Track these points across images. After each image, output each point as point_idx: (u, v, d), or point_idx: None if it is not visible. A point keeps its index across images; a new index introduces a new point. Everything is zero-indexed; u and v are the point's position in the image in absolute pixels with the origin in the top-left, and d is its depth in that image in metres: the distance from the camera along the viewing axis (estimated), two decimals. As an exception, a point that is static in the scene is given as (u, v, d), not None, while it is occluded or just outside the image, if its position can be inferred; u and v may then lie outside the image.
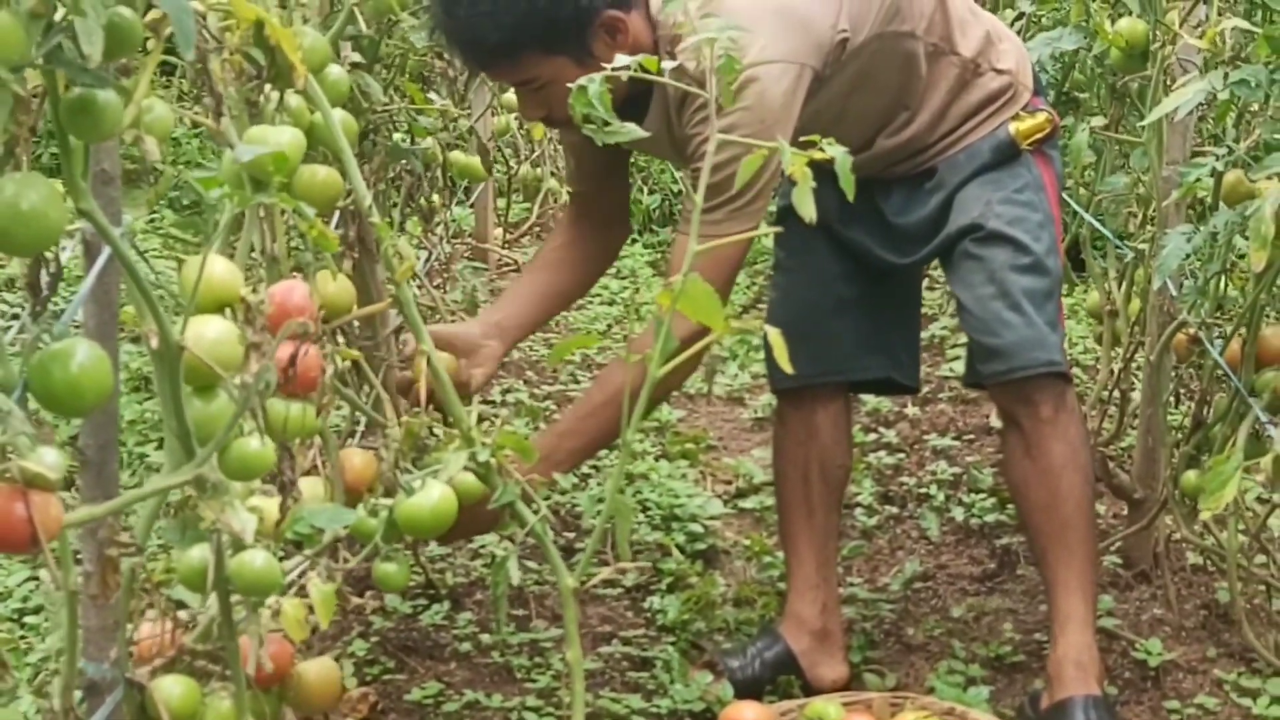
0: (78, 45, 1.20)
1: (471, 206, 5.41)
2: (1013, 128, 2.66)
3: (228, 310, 1.59)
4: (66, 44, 1.19)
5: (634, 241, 6.51)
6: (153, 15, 1.53)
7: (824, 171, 2.08)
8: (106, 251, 1.48)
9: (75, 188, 1.30)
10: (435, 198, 3.80)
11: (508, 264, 5.35)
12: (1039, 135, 2.68)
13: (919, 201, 2.70)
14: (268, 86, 1.97)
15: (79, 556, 1.46)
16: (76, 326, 1.51)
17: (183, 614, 1.76)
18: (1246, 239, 2.26)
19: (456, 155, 3.75)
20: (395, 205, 3.32)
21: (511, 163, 5.70)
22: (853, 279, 2.79)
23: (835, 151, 1.92)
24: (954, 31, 2.65)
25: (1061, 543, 2.59)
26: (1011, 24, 3.99)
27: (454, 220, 4.86)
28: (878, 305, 2.83)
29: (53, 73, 1.22)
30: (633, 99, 2.35)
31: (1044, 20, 4.12)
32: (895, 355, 2.88)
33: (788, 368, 2.02)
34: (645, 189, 6.84)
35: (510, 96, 4.93)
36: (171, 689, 1.61)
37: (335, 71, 2.14)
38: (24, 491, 1.10)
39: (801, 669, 2.74)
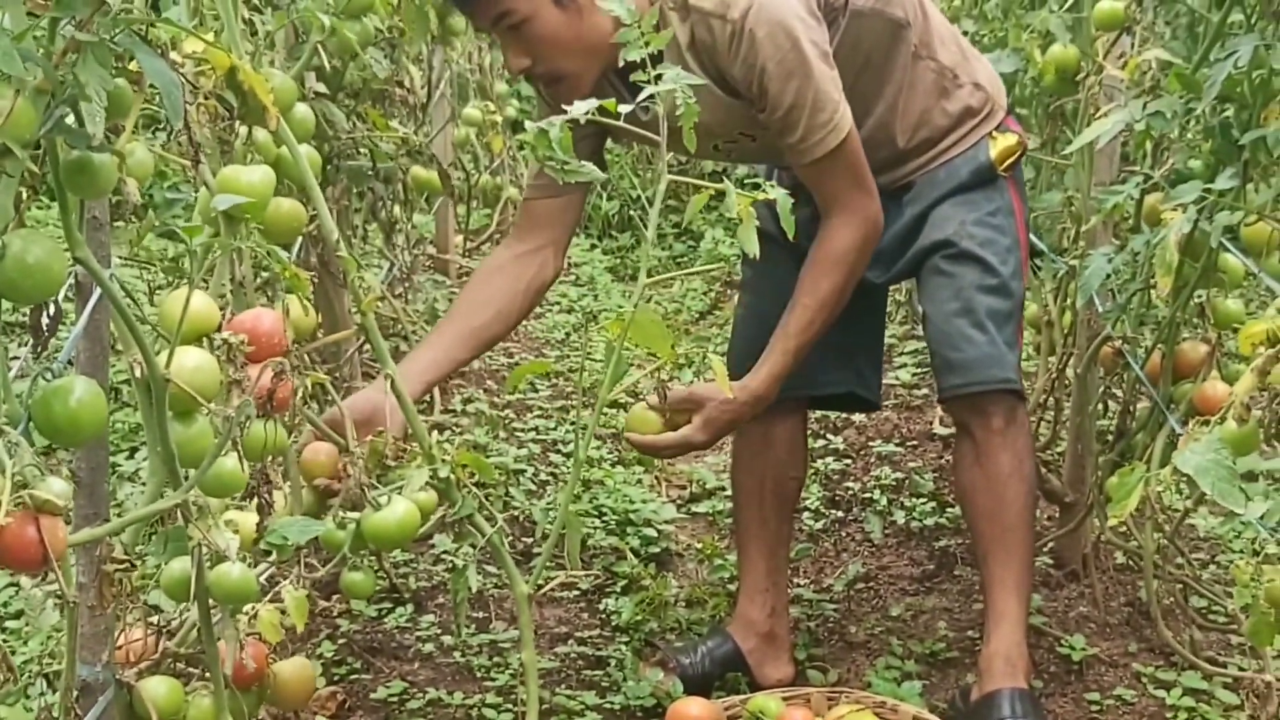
0: (78, 115, 1.34)
1: (434, 214, 5.53)
2: (992, 151, 2.74)
3: (205, 340, 1.73)
4: (67, 112, 1.33)
5: (593, 248, 6.64)
6: (134, 66, 1.67)
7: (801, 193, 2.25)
8: (97, 291, 1.62)
9: (72, 238, 1.44)
10: (396, 209, 3.93)
11: (468, 273, 5.47)
12: (1012, 159, 2.76)
13: (895, 214, 2.74)
14: (238, 123, 2.10)
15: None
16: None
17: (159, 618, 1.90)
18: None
19: (417, 171, 3.88)
20: (358, 210, 3.43)
21: (472, 171, 5.81)
22: None
23: (777, 194, 2.07)
24: (934, 38, 2.73)
25: (1002, 546, 2.72)
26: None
27: (415, 228, 4.98)
28: (843, 323, 2.81)
29: (53, 139, 1.35)
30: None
31: (985, 40, 4.28)
32: (860, 371, 2.97)
33: (729, 393, 2.17)
34: (604, 195, 6.96)
35: (470, 110, 5.08)
36: (157, 689, 1.75)
37: (301, 110, 2.28)
38: (35, 516, 1.23)
39: (749, 667, 2.88)
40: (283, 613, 1.82)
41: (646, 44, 2.08)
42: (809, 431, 4.01)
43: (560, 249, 2.72)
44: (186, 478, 1.62)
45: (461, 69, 5.12)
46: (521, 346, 4.94)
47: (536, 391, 4.51)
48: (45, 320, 1.47)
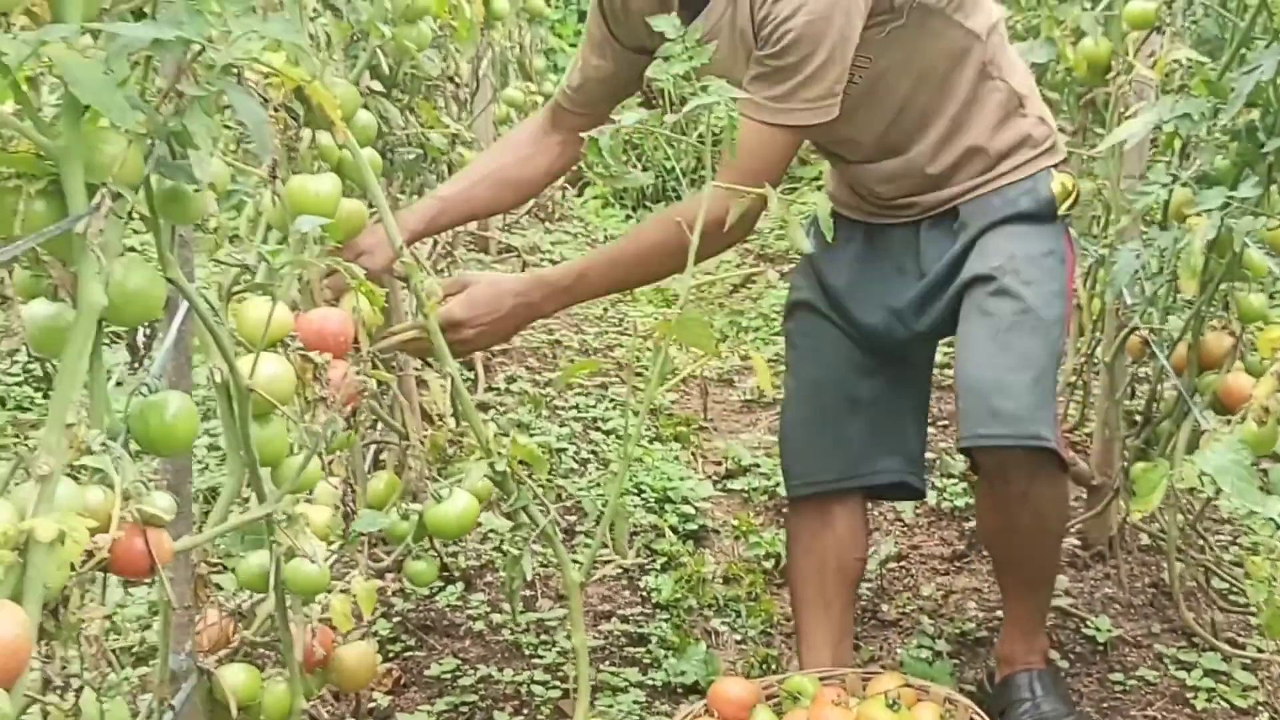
0: (171, 148, 1.44)
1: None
2: (1055, 185, 2.61)
3: (279, 345, 1.84)
4: (163, 148, 1.43)
5: (627, 219, 6.74)
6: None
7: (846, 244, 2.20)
8: (183, 306, 1.73)
9: (165, 259, 1.54)
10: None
11: (509, 250, 5.57)
12: (1070, 201, 2.63)
13: (944, 243, 2.63)
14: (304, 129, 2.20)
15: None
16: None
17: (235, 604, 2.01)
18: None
19: (464, 153, 3.99)
20: (405, 194, 3.52)
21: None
22: (867, 372, 2.75)
23: (818, 197, 2.16)
24: (1006, 60, 2.62)
25: (1022, 578, 2.71)
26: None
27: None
28: (892, 401, 2.77)
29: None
30: None
31: (1017, 27, 4.34)
32: (911, 455, 2.81)
33: (769, 388, 2.26)
34: (639, 166, 7.03)
35: (510, 91, 5.16)
36: (236, 676, 1.86)
37: (364, 117, 2.38)
38: (143, 529, 1.34)
39: None
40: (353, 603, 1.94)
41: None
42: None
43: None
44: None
45: (502, 47, 5.20)
46: (561, 324, 5.04)
47: (576, 367, 4.60)
48: (141, 339, 1.58)
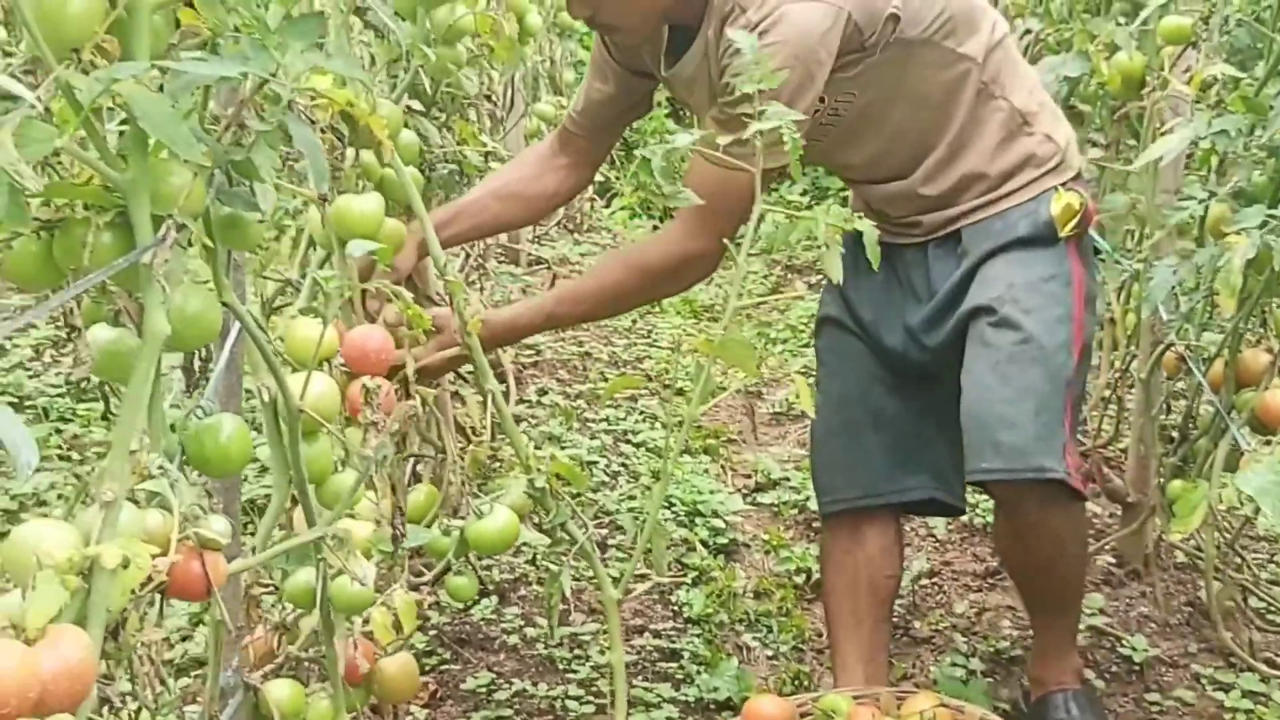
0: (229, 177, 1.46)
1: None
2: (1054, 207, 2.54)
3: (325, 364, 1.86)
4: (222, 177, 1.45)
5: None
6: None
7: (858, 263, 2.25)
8: (237, 328, 1.74)
9: (219, 283, 1.56)
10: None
11: (540, 262, 5.59)
12: (1075, 220, 2.55)
13: (950, 265, 2.61)
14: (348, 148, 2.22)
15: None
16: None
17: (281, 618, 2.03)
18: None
19: (496, 167, 4.01)
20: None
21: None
22: (891, 388, 2.75)
23: (864, 226, 2.14)
24: (1008, 78, 2.58)
25: (1046, 603, 2.71)
26: (1019, 39, 4.22)
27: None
28: (919, 419, 2.75)
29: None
30: (680, 35, 2.48)
31: (1049, 40, 4.33)
32: (940, 473, 2.76)
33: (811, 411, 2.25)
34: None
35: (542, 106, 5.18)
36: (281, 691, 1.88)
37: (407, 135, 2.40)
38: (200, 552, 1.36)
39: None
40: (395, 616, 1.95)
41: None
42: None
43: (594, 168, 2.90)
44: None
45: (534, 61, 5.22)
46: (590, 336, 5.06)
47: (606, 380, 4.62)
48: (197, 361, 1.60)
